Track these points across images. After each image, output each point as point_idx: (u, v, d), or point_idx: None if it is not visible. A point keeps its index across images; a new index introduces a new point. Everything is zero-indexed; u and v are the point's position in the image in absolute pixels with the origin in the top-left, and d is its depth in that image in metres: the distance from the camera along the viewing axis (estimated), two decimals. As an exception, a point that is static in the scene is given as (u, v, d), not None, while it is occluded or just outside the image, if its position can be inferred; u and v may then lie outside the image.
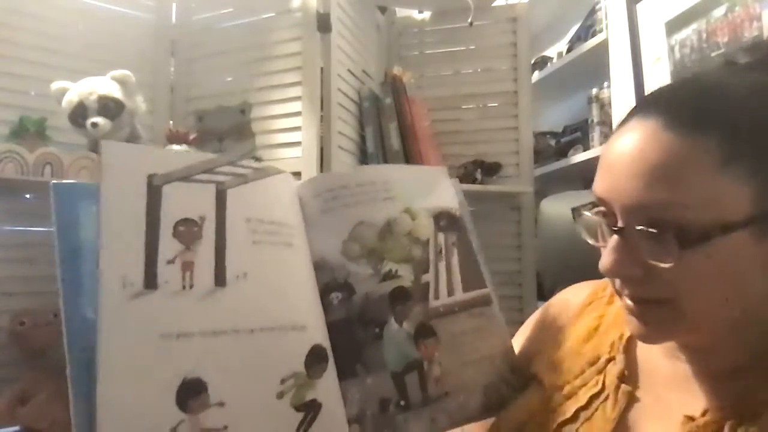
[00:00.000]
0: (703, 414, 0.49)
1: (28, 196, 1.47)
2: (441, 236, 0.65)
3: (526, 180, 1.82)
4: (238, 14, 1.66)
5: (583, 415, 0.56)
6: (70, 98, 1.35)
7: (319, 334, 0.56)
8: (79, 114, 1.34)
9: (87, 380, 0.45)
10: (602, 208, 0.52)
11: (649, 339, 0.53)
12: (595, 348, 0.61)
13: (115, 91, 1.37)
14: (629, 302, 0.51)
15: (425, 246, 0.64)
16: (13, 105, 1.43)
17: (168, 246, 0.49)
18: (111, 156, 0.50)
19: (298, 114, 1.51)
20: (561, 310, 0.69)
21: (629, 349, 0.59)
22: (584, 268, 0.72)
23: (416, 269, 0.62)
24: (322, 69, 1.53)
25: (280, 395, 0.51)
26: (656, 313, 0.49)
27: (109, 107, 1.34)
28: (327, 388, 0.55)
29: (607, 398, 0.56)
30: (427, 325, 0.61)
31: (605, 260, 0.50)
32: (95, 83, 1.36)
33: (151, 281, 0.48)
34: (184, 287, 0.49)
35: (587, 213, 0.54)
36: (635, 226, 0.47)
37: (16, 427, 1.17)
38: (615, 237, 0.49)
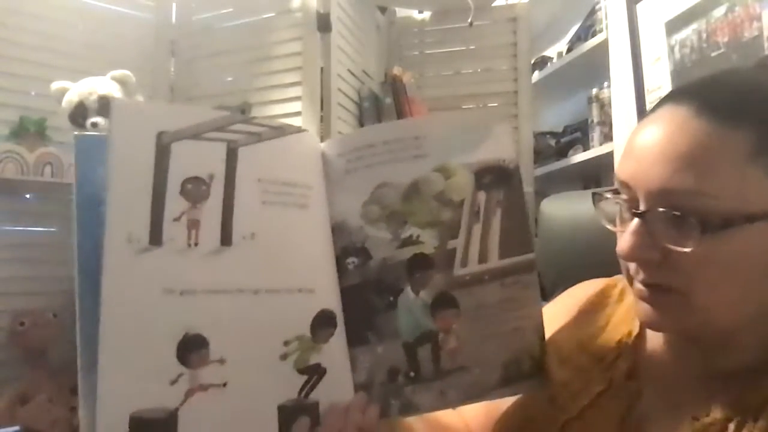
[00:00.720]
0: (708, 414, 0.49)
1: (28, 196, 1.47)
2: (482, 195, 0.59)
3: (526, 180, 1.81)
4: (238, 14, 1.66)
5: (589, 413, 0.56)
6: (70, 98, 1.35)
7: (328, 299, 0.56)
8: (79, 114, 1.34)
9: (94, 333, 0.46)
10: (623, 195, 0.52)
11: (658, 326, 0.52)
12: (603, 345, 0.61)
13: (115, 91, 1.37)
14: (641, 287, 0.51)
15: (458, 207, 0.58)
16: (13, 105, 1.43)
17: (174, 203, 0.49)
18: (120, 113, 0.50)
19: (298, 114, 1.51)
20: (571, 306, 0.69)
21: (637, 346, 0.59)
22: (584, 268, 0.72)
23: (442, 234, 0.58)
24: (322, 69, 1.53)
25: (284, 357, 0.52)
26: (668, 299, 0.49)
27: (109, 107, 1.34)
28: (333, 353, 0.55)
29: (613, 396, 0.56)
30: (447, 295, 0.57)
31: (624, 243, 0.49)
32: (95, 83, 1.36)
33: (156, 237, 0.48)
34: (189, 245, 0.49)
35: (608, 197, 0.54)
36: (658, 209, 0.47)
37: (16, 427, 1.17)
38: (636, 221, 0.49)
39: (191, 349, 0.48)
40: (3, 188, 1.34)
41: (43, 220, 1.45)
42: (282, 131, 0.57)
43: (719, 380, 0.51)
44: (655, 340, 0.59)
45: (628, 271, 0.53)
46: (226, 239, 0.51)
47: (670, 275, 0.48)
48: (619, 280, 0.67)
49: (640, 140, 0.50)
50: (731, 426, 0.47)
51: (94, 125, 1.33)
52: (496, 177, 0.60)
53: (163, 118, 0.51)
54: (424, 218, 0.58)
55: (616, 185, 0.53)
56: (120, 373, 0.45)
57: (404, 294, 0.57)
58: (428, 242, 0.58)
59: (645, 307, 0.51)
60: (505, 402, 0.62)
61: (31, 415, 1.20)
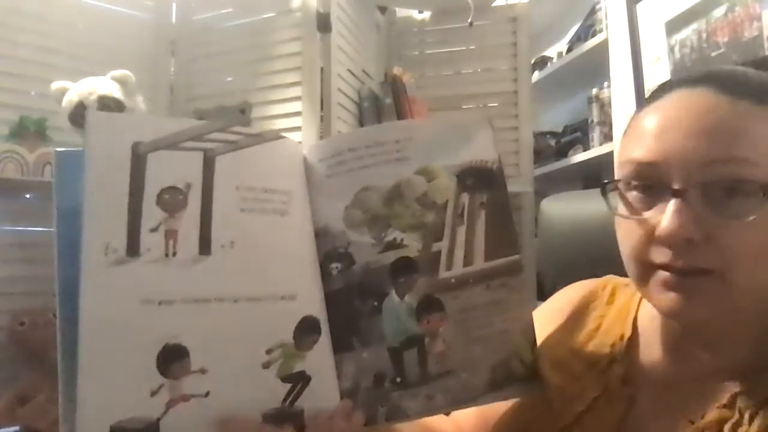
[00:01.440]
0: (703, 417, 0.49)
1: (28, 196, 1.47)
2: (465, 197, 0.58)
3: (526, 180, 1.82)
4: (238, 14, 1.66)
5: (586, 419, 0.56)
6: (70, 98, 1.35)
7: (311, 306, 0.55)
8: (79, 114, 1.34)
9: (75, 341, 0.46)
10: (644, 179, 0.50)
11: (688, 313, 0.49)
12: (596, 349, 0.61)
13: (115, 91, 1.37)
14: (669, 276, 0.48)
15: (441, 210, 0.58)
16: (13, 105, 1.43)
17: (151, 214, 0.49)
18: (96, 124, 0.50)
19: (298, 114, 1.51)
20: (561, 309, 0.68)
21: (630, 350, 0.59)
22: (584, 267, 0.72)
23: (426, 237, 0.58)
24: (322, 69, 1.53)
25: (266, 365, 0.52)
26: (702, 283, 0.46)
27: (109, 107, 1.34)
28: (318, 360, 0.54)
29: (608, 401, 0.55)
30: (432, 298, 0.57)
31: (669, 224, 0.46)
32: (95, 83, 1.36)
33: (133, 248, 0.48)
34: (167, 255, 0.49)
35: (634, 183, 0.51)
36: (704, 183, 0.45)
37: (16, 427, 1.17)
38: (675, 200, 0.46)
39: (171, 359, 0.48)
40: (3, 188, 1.34)
41: (43, 220, 1.45)
42: (260, 138, 0.57)
43: (714, 382, 0.51)
44: (648, 343, 0.58)
45: (647, 267, 0.50)
46: (204, 248, 0.51)
47: (712, 255, 0.46)
48: (609, 280, 0.67)
49: (663, 120, 0.49)
50: (726, 427, 0.47)
51: (94, 125, 1.33)
52: (479, 178, 0.59)
53: (139, 129, 0.51)
54: (407, 221, 0.58)
55: (626, 171, 0.51)
56: (100, 384, 0.45)
57: (389, 298, 0.57)
58: (412, 245, 0.57)
59: (671, 297, 0.48)
60: (500, 407, 0.62)
61: (31, 415, 1.20)
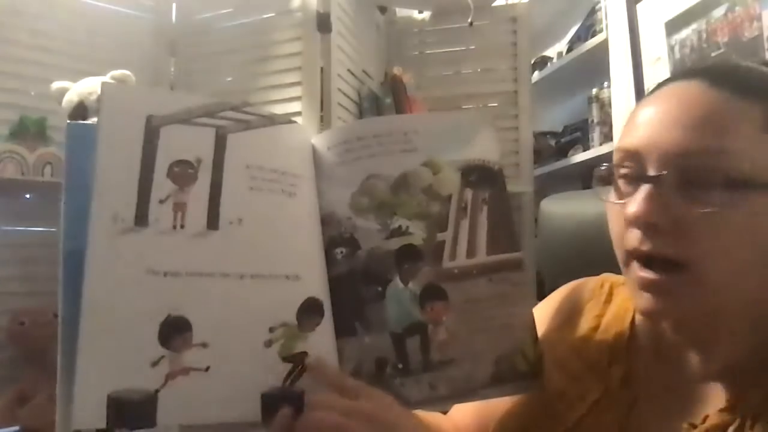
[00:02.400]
0: (704, 420, 0.49)
1: (28, 196, 1.47)
2: (468, 192, 0.59)
3: (526, 180, 1.82)
4: (238, 14, 1.66)
5: (586, 423, 0.55)
6: (70, 98, 1.35)
7: (315, 288, 0.56)
8: (79, 114, 1.34)
9: (76, 314, 0.45)
10: (627, 166, 0.50)
11: (660, 312, 0.50)
12: (595, 350, 0.60)
13: (115, 91, 1.37)
14: (643, 275, 0.48)
15: (446, 202, 0.59)
16: (13, 105, 1.43)
17: (161, 185, 0.49)
18: (110, 96, 0.50)
19: (298, 114, 1.51)
20: (559, 308, 0.68)
21: (630, 350, 0.58)
22: (584, 267, 0.72)
23: (431, 226, 0.58)
24: (322, 69, 1.53)
25: (268, 344, 0.52)
26: (675, 279, 0.47)
27: (109, 107, 1.34)
28: (319, 342, 0.54)
29: (609, 404, 0.55)
30: (436, 287, 0.57)
31: (635, 208, 0.47)
32: (95, 83, 1.36)
33: (141, 218, 0.48)
34: (174, 227, 0.49)
35: (619, 171, 0.52)
36: (675, 171, 0.46)
37: (16, 427, 1.17)
38: (646, 186, 0.47)
39: (174, 331, 0.48)
40: (3, 188, 1.34)
41: (43, 220, 1.45)
42: (272, 120, 0.57)
43: (713, 383, 0.51)
44: (648, 343, 0.58)
45: (626, 254, 0.50)
46: (212, 223, 0.51)
47: (681, 244, 0.46)
48: (605, 279, 0.67)
49: (650, 110, 0.50)
50: (730, 430, 0.47)
51: (94, 125, 1.33)
52: (481, 176, 0.60)
53: (153, 103, 0.51)
54: (412, 210, 0.58)
55: (616, 159, 0.52)
56: (100, 352, 0.45)
57: (393, 284, 0.57)
58: (417, 234, 0.58)
59: (646, 297, 0.49)
60: (498, 409, 0.61)
61: (31, 415, 1.20)
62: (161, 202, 0.49)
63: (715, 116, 0.46)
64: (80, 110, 1.34)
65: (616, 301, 0.64)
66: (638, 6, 1.57)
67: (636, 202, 0.47)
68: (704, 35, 1.33)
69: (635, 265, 0.49)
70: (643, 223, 0.47)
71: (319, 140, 0.61)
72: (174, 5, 1.72)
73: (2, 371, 1.35)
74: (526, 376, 0.58)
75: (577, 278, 0.71)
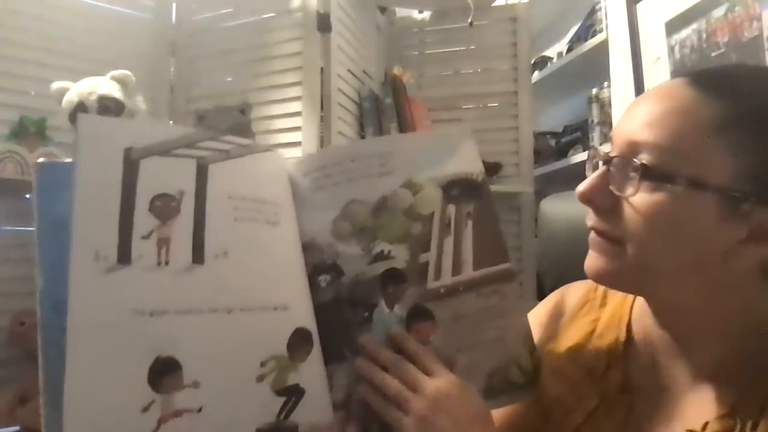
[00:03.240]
0: (704, 427, 0.48)
1: (28, 196, 1.47)
2: (451, 208, 0.60)
3: (526, 180, 1.82)
4: (238, 14, 1.66)
5: (584, 430, 0.55)
6: (70, 98, 1.35)
7: (303, 317, 0.55)
8: (79, 114, 1.34)
9: (60, 359, 0.43)
10: (606, 153, 0.54)
11: (599, 275, 0.53)
12: (591, 355, 0.60)
13: (115, 91, 1.37)
14: (591, 235, 0.53)
15: (428, 221, 0.59)
16: (13, 105, 1.43)
17: (143, 221, 0.48)
18: (87, 129, 0.49)
19: (298, 114, 1.51)
20: (555, 313, 0.68)
21: (627, 356, 0.58)
22: (584, 268, 0.72)
23: (413, 248, 0.59)
24: (322, 69, 1.53)
25: (260, 378, 0.51)
26: (608, 248, 0.51)
27: (109, 107, 1.34)
28: (311, 372, 0.54)
29: (607, 411, 0.55)
30: (421, 308, 0.58)
31: (581, 186, 0.52)
32: (95, 83, 1.36)
33: (124, 256, 0.47)
34: (159, 263, 0.48)
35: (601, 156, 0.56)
36: (623, 158, 0.50)
37: (16, 427, 1.17)
38: (601, 168, 0.52)
39: (163, 372, 0.46)
40: (3, 188, 1.34)
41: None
42: (250, 149, 0.57)
43: (712, 388, 0.51)
44: (641, 347, 0.58)
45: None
46: (198, 257, 0.50)
47: (615, 223, 0.50)
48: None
49: (633, 105, 0.53)
50: None
51: (94, 125, 1.33)
52: (464, 190, 0.61)
53: (131, 134, 0.50)
54: (393, 233, 0.58)
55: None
56: (88, 399, 0.43)
57: (379, 309, 0.57)
58: (399, 257, 0.58)
59: (589, 255, 0.53)
60: (495, 419, 0.60)
61: (31, 415, 1.20)
62: (144, 237, 0.48)
63: (669, 112, 0.48)
64: (80, 110, 1.34)
65: (610, 306, 0.63)
66: (638, 6, 1.57)
67: (585, 182, 0.52)
68: (704, 35, 1.33)
69: (590, 232, 0.54)
70: (585, 200, 0.52)
71: (295, 167, 0.60)
72: (174, 5, 1.72)
73: (2, 371, 1.35)
74: (521, 387, 0.59)
75: (577, 278, 0.71)
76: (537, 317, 0.69)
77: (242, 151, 0.56)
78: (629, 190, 0.48)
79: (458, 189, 0.61)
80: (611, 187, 0.50)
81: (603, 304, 0.64)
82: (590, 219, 0.53)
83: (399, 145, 0.61)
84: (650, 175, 0.47)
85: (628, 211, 0.49)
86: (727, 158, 0.45)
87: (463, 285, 0.59)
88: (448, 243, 0.59)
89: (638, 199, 0.48)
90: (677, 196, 0.46)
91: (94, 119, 0.51)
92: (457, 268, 0.59)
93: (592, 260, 0.53)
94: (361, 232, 0.58)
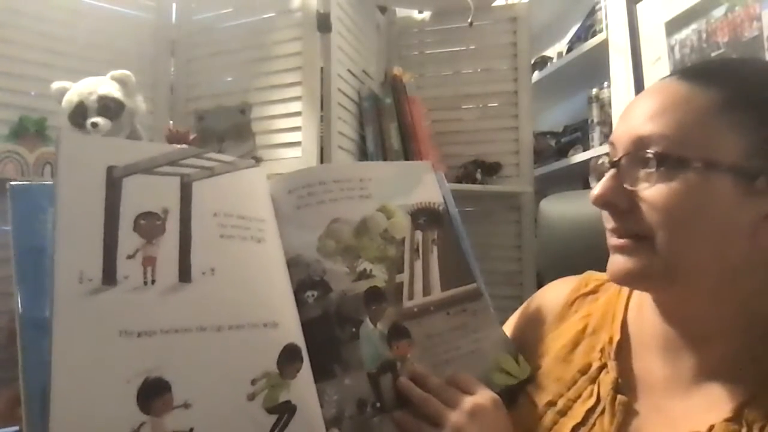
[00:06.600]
0: (710, 430, 0.48)
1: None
2: (419, 234, 0.65)
3: (526, 180, 1.81)
4: (238, 14, 1.66)
5: (581, 431, 0.54)
6: (70, 98, 1.34)
7: (292, 333, 0.54)
8: (79, 114, 1.34)
9: (43, 383, 0.42)
10: (610, 156, 0.55)
11: (630, 275, 0.52)
12: (584, 354, 0.59)
13: (115, 91, 1.37)
14: (613, 241, 0.53)
15: (400, 245, 0.63)
16: (13, 105, 1.43)
17: (128, 240, 0.47)
18: (69, 147, 0.48)
19: (298, 114, 1.51)
20: (544, 312, 0.67)
21: (621, 353, 0.57)
22: (584, 268, 0.72)
23: (390, 269, 0.62)
24: (322, 69, 1.53)
25: (251, 396, 0.49)
26: (635, 246, 0.51)
27: (109, 107, 1.34)
28: (302, 389, 0.53)
29: (603, 411, 0.54)
30: (399, 326, 0.60)
31: (595, 189, 0.52)
32: (95, 83, 1.36)
33: (109, 276, 0.46)
34: (145, 283, 0.47)
35: (601, 160, 0.57)
36: (630, 156, 0.50)
37: (16, 427, 1.17)
38: (611, 171, 0.52)
39: (153, 394, 0.44)
40: (3, 188, 1.34)
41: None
42: (234, 166, 0.57)
43: (713, 386, 0.50)
44: (640, 346, 0.57)
45: (606, 234, 0.55)
46: (184, 275, 0.49)
47: (637, 221, 0.50)
48: (588, 277, 0.67)
49: (629, 107, 0.54)
50: None
51: (94, 125, 1.32)
52: (429, 218, 0.66)
53: (113, 153, 0.49)
54: (373, 253, 0.62)
55: (609, 150, 0.56)
56: (75, 424, 0.41)
57: (364, 325, 0.59)
58: (379, 276, 0.61)
59: (614, 259, 0.53)
60: None
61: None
62: (129, 257, 0.47)
63: (668, 104, 0.49)
64: (80, 110, 1.34)
65: (602, 302, 0.63)
66: (638, 6, 1.57)
67: (598, 186, 0.52)
68: (704, 35, 1.33)
69: (609, 236, 0.54)
70: (602, 203, 0.52)
71: (279, 183, 0.62)
72: (174, 5, 1.72)
73: (2, 371, 1.35)
74: (512, 388, 0.61)
75: (577, 278, 0.71)
76: (526, 314, 0.69)
77: (226, 168, 0.56)
78: (645, 183, 0.49)
79: (424, 217, 0.65)
80: (626, 185, 0.50)
81: (594, 300, 0.64)
82: (609, 221, 0.53)
83: (375, 172, 0.66)
84: (665, 162, 0.48)
85: (647, 204, 0.49)
86: (734, 138, 0.47)
87: (434, 305, 0.62)
88: (418, 266, 0.63)
89: (656, 190, 0.48)
90: (693, 181, 0.47)
91: (75, 138, 0.50)
92: (427, 289, 0.63)
93: (620, 263, 0.52)
94: (345, 251, 0.61)
